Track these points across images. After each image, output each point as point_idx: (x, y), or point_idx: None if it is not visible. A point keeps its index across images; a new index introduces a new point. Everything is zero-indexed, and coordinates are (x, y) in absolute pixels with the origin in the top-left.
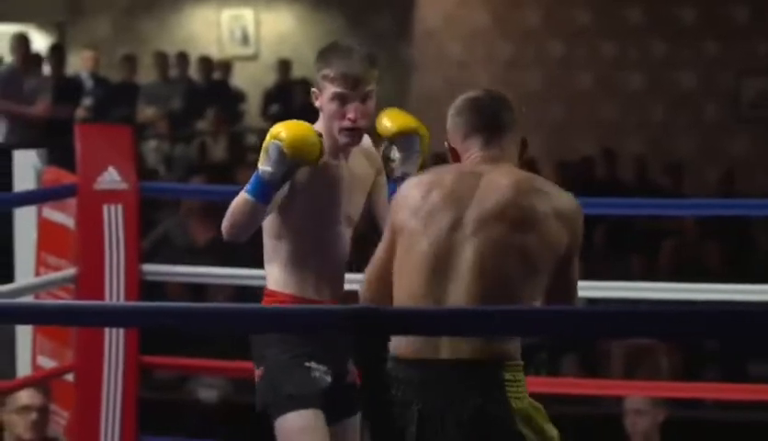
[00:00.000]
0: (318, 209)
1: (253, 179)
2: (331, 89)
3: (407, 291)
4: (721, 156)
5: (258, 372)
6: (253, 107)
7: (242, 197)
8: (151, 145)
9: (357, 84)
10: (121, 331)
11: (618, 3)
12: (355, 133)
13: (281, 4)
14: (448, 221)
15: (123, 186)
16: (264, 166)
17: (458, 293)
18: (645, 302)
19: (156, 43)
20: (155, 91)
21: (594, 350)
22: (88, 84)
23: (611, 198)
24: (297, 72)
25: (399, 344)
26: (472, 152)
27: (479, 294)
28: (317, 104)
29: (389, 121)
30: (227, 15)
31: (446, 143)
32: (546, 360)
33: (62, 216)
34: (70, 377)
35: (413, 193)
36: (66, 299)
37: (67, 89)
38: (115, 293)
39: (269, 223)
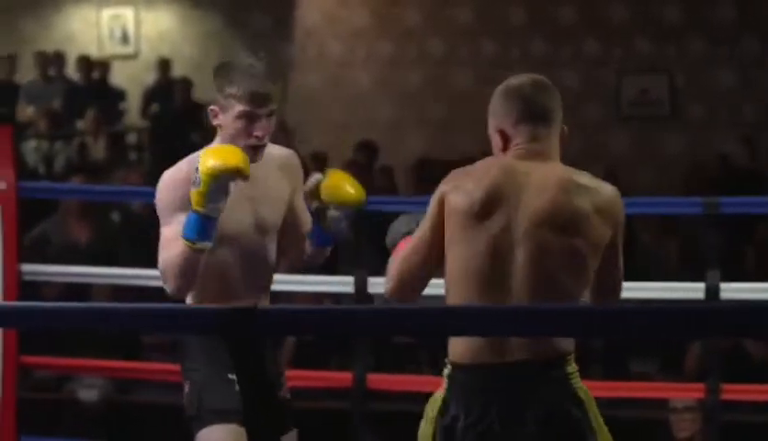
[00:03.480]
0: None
1: (193, 224)
2: (237, 107)
3: (458, 297)
4: (603, 155)
5: (186, 385)
6: (133, 106)
7: (183, 248)
8: (31, 145)
9: (264, 103)
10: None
11: (499, 3)
12: (259, 150)
13: (161, 3)
14: (500, 224)
15: (1, 186)
16: (207, 204)
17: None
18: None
19: (36, 42)
20: (35, 90)
21: None
22: None
23: None
24: (177, 70)
25: (456, 350)
26: (519, 141)
27: (532, 299)
28: (216, 122)
29: (353, 190)
30: (107, 14)
31: (491, 126)
32: (426, 359)
33: None
34: None
35: (462, 184)
36: None
37: None
38: None
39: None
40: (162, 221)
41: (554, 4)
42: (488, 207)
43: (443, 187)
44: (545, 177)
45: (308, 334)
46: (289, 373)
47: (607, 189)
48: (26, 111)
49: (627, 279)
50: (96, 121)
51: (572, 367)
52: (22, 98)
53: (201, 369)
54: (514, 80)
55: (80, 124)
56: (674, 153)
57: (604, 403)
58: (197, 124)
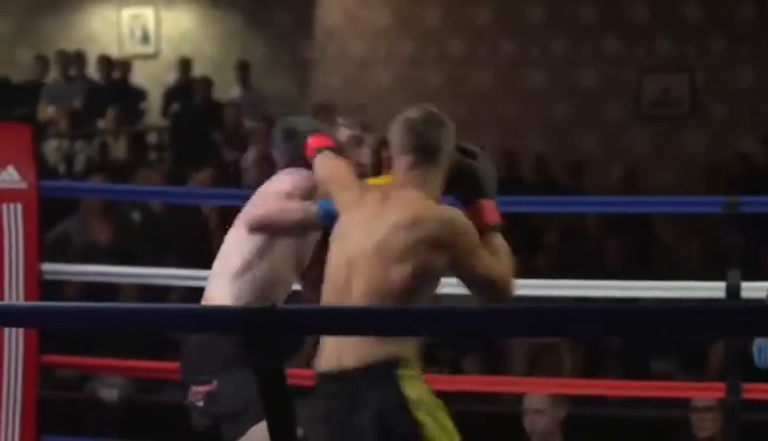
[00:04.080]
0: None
1: (328, 206)
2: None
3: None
4: (623, 154)
5: (207, 388)
6: (153, 105)
7: (309, 207)
8: (52, 144)
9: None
10: (21, 330)
11: (519, 2)
12: None
13: (181, 3)
14: (351, 249)
15: (22, 185)
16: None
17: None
18: (553, 300)
19: (57, 42)
20: (56, 90)
21: (497, 349)
22: None
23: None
24: (197, 70)
25: (317, 361)
26: (396, 169)
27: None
28: None
29: None
30: (127, 14)
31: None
32: (449, 359)
33: None
34: None
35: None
36: None
37: None
38: (14, 293)
39: (253, 244)
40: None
41: (574, 3)
42: (351, 224)
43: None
44: (392, 211)
45: (329, 334)
46: (308, 373)
47: (442, 221)
48: (47, 111)
49: (647, 278)
50: (117, 121)
51: (408, 371)
52: (43, 98)
53: (234, 368)
54: (407, 112)
55: (101, 123)
56: (695, 153)
57: (623, 402)
58: (218, 123)
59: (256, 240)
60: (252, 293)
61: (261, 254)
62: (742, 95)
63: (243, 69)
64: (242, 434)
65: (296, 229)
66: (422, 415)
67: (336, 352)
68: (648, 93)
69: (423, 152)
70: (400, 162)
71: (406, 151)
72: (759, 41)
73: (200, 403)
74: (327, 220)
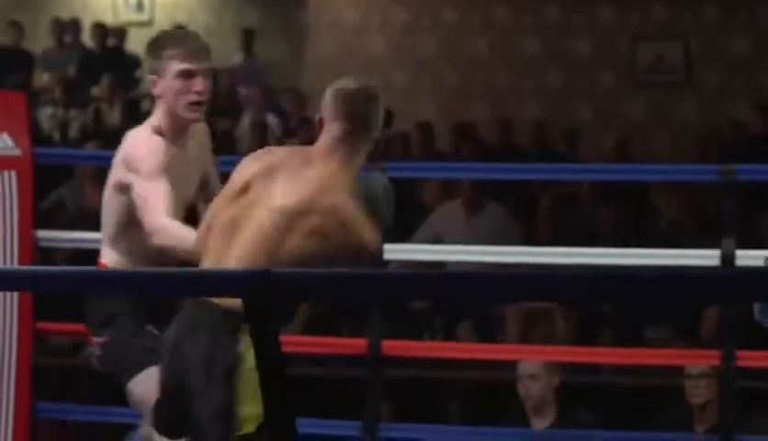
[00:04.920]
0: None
1: None
2: (176, 67)
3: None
4: (618, 122)
5: (101, 339)
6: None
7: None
8: (46, 112)
9: (201, 58)
10: (15, 297)
11: None
12: (200, 107)
13: None
14: (255, 194)
15: (17, 152)
16: None
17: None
18: (544, 267)
19: (52, 10)
20: (51, 57)
21: (490, 315)
22: None
23: (507, 164)
24: None
25: None
26: (324, 136)
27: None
28: (156, 91)
29: None
30: None
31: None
32: (442, 325)
33: None
34: None
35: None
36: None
37: None
38: (9, 259)
39: (120, 208)
40: (144, 179)
41: None
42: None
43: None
44: (305, 177)
45: (326, 299)
46: (303, 339)
47: (311, 193)
48: (41, 78)
49: (645, 246)
50: (112, 88)
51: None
52: (38, 65)
53: (124, 322)
54: (344, 82)
55: (95, 91)
56: (689, 120)
57: (617, 369)
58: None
59: (124, 208)
60: (127, 258)
61: (130, 222)
62: (737, 62)
63: (248, 36)
64: (126, 384)
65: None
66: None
67: None
68: (642, 60)
69: (360, 123)
70: (332, 128)
71: (341, 119)
72: (753, 8)
73: (98, 353)
74: None
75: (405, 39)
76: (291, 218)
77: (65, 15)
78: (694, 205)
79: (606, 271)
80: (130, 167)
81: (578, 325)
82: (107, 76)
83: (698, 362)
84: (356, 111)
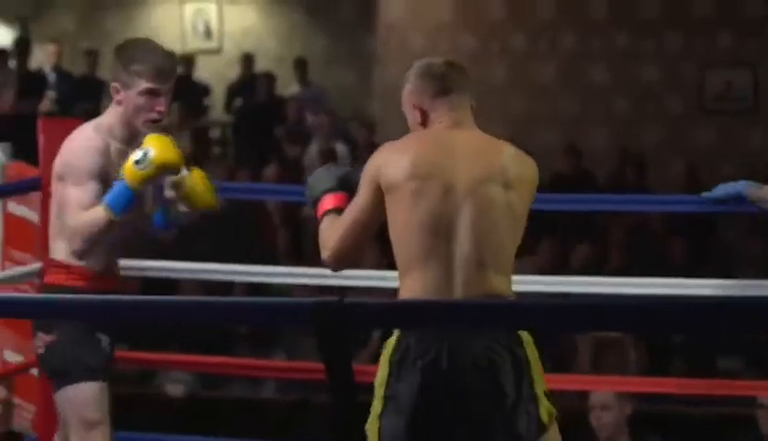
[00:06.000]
0: None
1: (124, 199)
2: (142, 85)
3: (408, 253)
4: (686, 149)
5: (48, 338)
6: (217, 101)
7: (101, 216)
8: None
9: (168, 79)
10: None
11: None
12: (157, 124)
13: None
14: (439, 189)
15: None
16: (143, 187)
17: (463, 250)
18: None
19: (120, 38)
20: None
21: (560, 344)
22: (51, 77)
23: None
24: (260, 65)
25: (410, 291)
26: (440, 112)
27: (476, 248)
28: (117, 98)
29: (210, 194)
30: (190, 9)
31: (407, 105)
32: None
33: (27, 210)
34: (35, 371)
35: (395, 157)
36: (31, 294)
37: (31, 83)
38: None
39: (60, 200)
40: (71, 182)
41: None
42: (424, 175)
43: (376, 163)
44: (477, 142)
45: (398, 328)
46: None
47: (529, 160)
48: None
49: (708, 276)
50: (181, 116)
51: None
52: (106, 94)
53: (68, 325)
54: (423, 61)
55: (165, 119)
56: (758, 148)
57: (688, 399)
58: (281, 118)
59: (62, 201)
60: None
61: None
62: None
63: (301, 66)
64: (59, 390)
65: (100, 235)
66: (532, 355)
67: (446, 283)
68: (710, 87)
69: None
70: (444, 104)
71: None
72: None
73: (41, 351)
74: (122, 213)
75: (473, 66)
76: None
77: None
78: (764, 236)
79: (680, 300)
80: (65, 164)
81: (648, 354)
82: (175, 104)
83: None
84: (451, 81)
